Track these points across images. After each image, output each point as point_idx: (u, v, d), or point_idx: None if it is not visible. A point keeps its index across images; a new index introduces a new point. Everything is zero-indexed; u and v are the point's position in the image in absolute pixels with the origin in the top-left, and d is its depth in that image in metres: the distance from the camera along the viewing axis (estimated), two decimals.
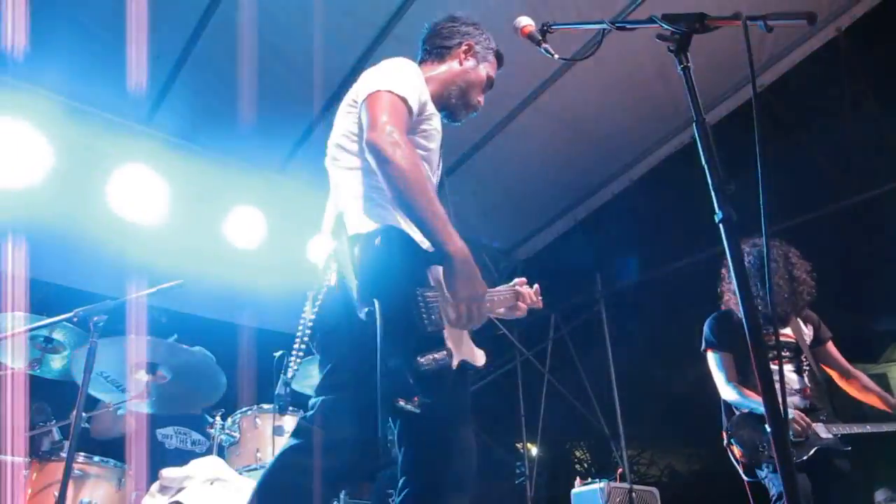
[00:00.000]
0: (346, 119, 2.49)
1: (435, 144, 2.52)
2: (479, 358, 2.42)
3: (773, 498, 3.64)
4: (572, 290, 8.36)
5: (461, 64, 2.73)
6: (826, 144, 8.35)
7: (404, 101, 2.30)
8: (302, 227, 6.42)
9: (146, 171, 5.71)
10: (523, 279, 2.94)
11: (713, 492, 12.03)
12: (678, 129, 6.41)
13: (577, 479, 5.74)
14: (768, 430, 3.68)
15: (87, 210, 5.76)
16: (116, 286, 4.53)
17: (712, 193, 1.60)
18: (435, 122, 2.51)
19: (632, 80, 5.74)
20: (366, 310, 2.01)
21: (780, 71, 6.10)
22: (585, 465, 14.72)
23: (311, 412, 2.24)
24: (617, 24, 2.10)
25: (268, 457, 4.34)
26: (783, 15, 1.71)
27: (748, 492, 3.85)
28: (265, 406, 4.53)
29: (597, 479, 5.42)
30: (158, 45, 5.15)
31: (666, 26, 1.83)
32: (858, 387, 4.10)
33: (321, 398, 2.24)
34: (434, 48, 2.78)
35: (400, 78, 2.39)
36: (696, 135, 1.70)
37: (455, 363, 2.19)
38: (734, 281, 1.57)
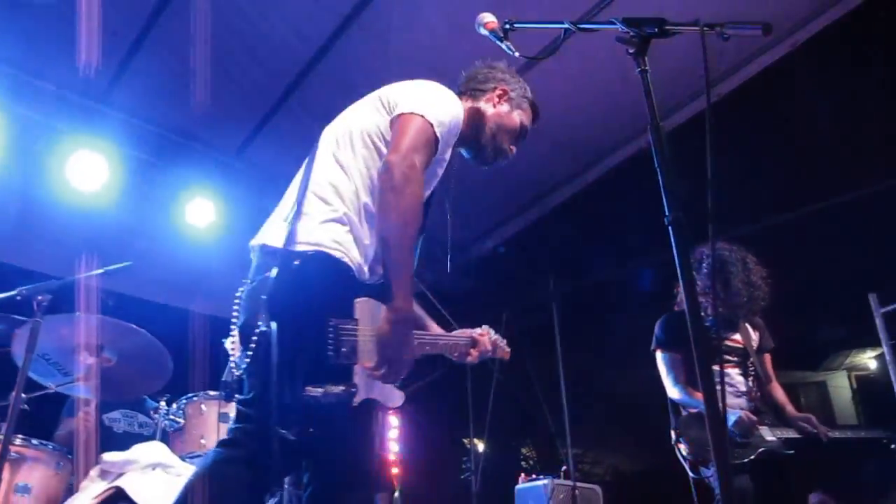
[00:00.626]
0: (375, 115, 2.42)
1: (441, 171, 2.52)
2: (395, 399, 2.35)
3: (717, 496, 3.72)
4: (525, 289, 8.41)
5: (494, 107, 2.70)
6: (779, 156, 8.51)
7: (438, 135, 2.29)
8: (256, 215, 6.34)
9: (99, 149, 5.60)
10: (487, 327, 2.91)
11: (655, 491, 12.20)
12: (637, 132, 6.47)
13: (522, 475, 5.78)
14: None
15: (37, 188, 5.65)
16: (64, 267, 4.44)
17: (663, 196, 1.63)
18: (448, 154, 2.51)
19: (593, 82, 5.79)
20: (262, 328, 2.01)
21: (739, 81, 6.19)
22: (531, 463, 14.79)
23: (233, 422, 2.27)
24: (579, 26, 2.13)
25: (212, 444, 4.29)
26: (740, 24, 1.74)
27: (693, 489, 3.92)
28: (212, 393, 4.49)
29: (541, 477, 5.47)
30: (116, 22, 5.05)
31: (626, 29, 1.86)
32: (772, 397, 4.20)
33: (239, 406, 2.26)
34: (468, 90, 2.76)
35: (441, 108, 2.36)
36: (651, 138, 1.73)
37: (357, 400, 2.11)
38: (681, 283, 1.60)
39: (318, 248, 2.15)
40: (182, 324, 6.94)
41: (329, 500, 2.13)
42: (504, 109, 2.71)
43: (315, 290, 2.06)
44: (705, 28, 1.77)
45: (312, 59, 5.52)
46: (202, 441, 4.30)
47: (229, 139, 6.30)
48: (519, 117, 2.74)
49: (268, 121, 6.07)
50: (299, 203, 2.27)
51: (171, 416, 4.39)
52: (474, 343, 2.81)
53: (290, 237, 2.19)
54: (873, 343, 6.74)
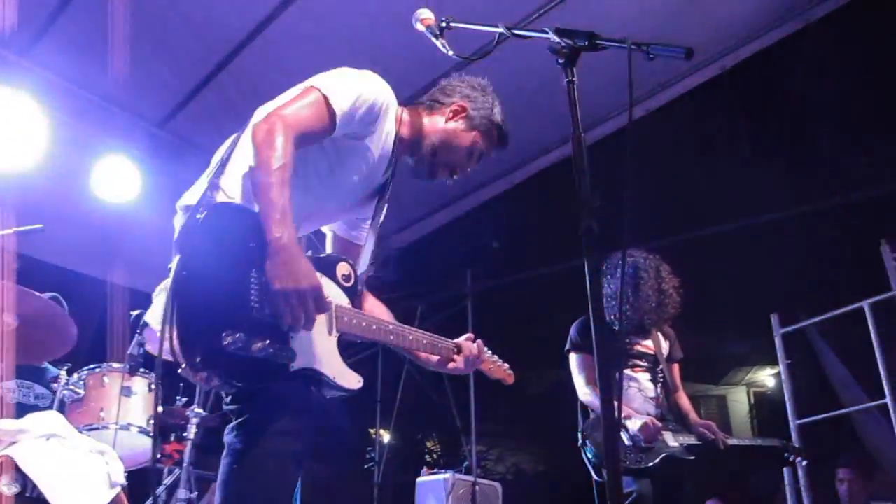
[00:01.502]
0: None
1: (367, 158, 2.44)
2: (350, 379, 2.22)
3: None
4: (442, 284, 8.47)
5: (446, 122, 2.61)
6: (699, 175, 8.77)
7: (333, 107, 2.25)
8: (180, 187, 6.22)
9: (17, 104, 5.40)
10: (471, 336, 2.77)
11: (555, 493, 12.46)
12: (565, 140, 6.56)
13: (425, 468, 5.83)
14: (622, 434, 3.90)
15: None
16: None
17: (578, 205, 1.68)
18: (373, 140, 2.43)
19: (523, 88, 5.85)
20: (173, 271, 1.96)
21: (666, 98, 6.35)
22: (435, 456, 14.90)
23: None
24: (513, 31, 2.16)
25: (112, 417, 4.21)
26: (665, 47, 1.81)
27: (595, 492, 4.02)
28: (115, 365, 4.39)
29: (443, 471, 5.53)
30: None
31: (557, 39, 1.90)
32: (678, 405, 4.35)
33: None
34: (429, 100, 2.68)
35: (346, 85, 2.33)
36: (573, 147, 1.78)
37: (296, 366, 2.03)
38: (588, 290, 1.65)
39: (235, 202, 2.16)
40: (97, 294, 6.77)
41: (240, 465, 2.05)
42: (456, 126, 2.61)
43: (232, 239, 2.02)
44: (633, 46, 1.83)
45: (249, 35, 5.44)
46: (101, 414, 4.21)
47: (155, 108, 6.15)
48: (472, 138, 2.65)
49: (197, 93, 5.95)
50: (223, 163, 2.26)
51: (72, 387, 4.28)
52: (458, 349, 2.69)
53: (209, 191, 2.18)
54: (772, 361, 7.01)
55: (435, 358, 2.66)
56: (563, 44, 1.90)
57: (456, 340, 2.70)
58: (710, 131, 7.38)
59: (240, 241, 2.02)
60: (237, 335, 1.87)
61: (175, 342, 1.88)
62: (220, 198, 2.17)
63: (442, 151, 2.61)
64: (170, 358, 1.94)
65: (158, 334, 1.95)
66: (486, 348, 2.78)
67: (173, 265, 1.96)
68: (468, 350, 2.69)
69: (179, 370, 1.92)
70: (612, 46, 1.87)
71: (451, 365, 2.68)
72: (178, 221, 2.27)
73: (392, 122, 2.50)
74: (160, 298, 2.13)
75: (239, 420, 2.10)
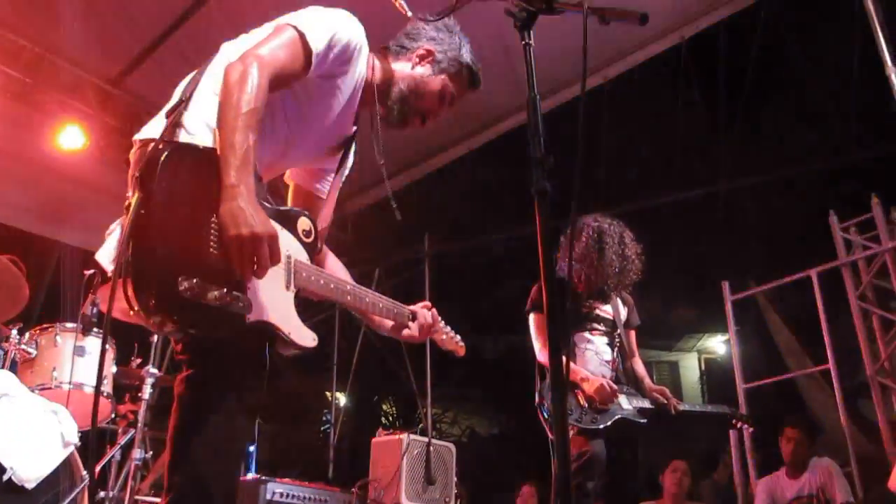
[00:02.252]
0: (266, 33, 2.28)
1: (337, 97, 2.37)
2: (305, 336, 2.15)
3: (574, 457, 3.88)
4: (399, 247, 8.49)
5: (413, 67, 2.50)
6: (655, 142, 8.88)
7: (310, 45, 2.18)
8: (128, 146, 6.14)
9: None
10: (427, 303, 2.71)
11: (508, 454, 12.68)
12: (520, 106, 6.58)
13: (381, 430, 5.89)
14: (576, 396, 3.97)
15: None
16: None
17: (532, 166, 1.71)
18: (344, 80, 2.35)
19: (485, 50, 5.83)
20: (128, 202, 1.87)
21: (627, 65, 6.38)
22: (391, 419, 15.02)
23: None
24: None
25: (65, 377, 4.17)
26: (620, 12, 1.83)
27: (552, 451, 4.09)
28: (68, 325, 4.35)
29: (398, 432, 5.59)
30: None
31: (514, 2, 1.91)
32: (633, 370, 4.43)
33: None
34: (395, 44, 2.56)
35: (321, 23, 2.25)
36: (528, 109, 1.80)
37: (251, 318, 1.96)
38: (540, 249, 1.68)
39: (197, 140, 2.07)
40: (51, 255, 6.68)
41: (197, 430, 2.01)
42: (423, 72, 2.51)
43: (194, 181, 1.96)
44: (589, 10, 1.84)
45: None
46: (54, 373, 4.17)
47: (109, 65, 6.03)
48: (441, 82, 2.52)
49: (152, 52, 5.84)
50: (186, 100, 2.16)
51: (23, 346, 4.23)
52: (414, 316, 2.63)
53: (172, 128, 2.09)
54: (723, 329, 7.18)
55: (389, 323, 2.62)
56: (520, 7, 1.91)
57: (412, 307, 2.66)
58: (667, 101, 7.45)
59: (202, 184, 1.95)
60: (193, 280, 1.82)
61: (128, 284, 1.81)
62: (183, 136, 2.08)
63: (412, 98, 2.51)
64: (120, 317, 1.90)
65: (110, 274, 1.90)
66: (440, 318, 2.75)
67: (132, 202, 1.88)
68: (423, 318, 2.64)
69: (131, 312, 1.84)
70: (568, 10, 1.89)
71: (405, 332, 2.63)
72: (135, 156, 2.17)
73: (364, 64, 2.43)
74: (113, 237, 2.05)
75: (189, 371, 2.06)
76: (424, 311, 2.67)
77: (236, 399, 2.04)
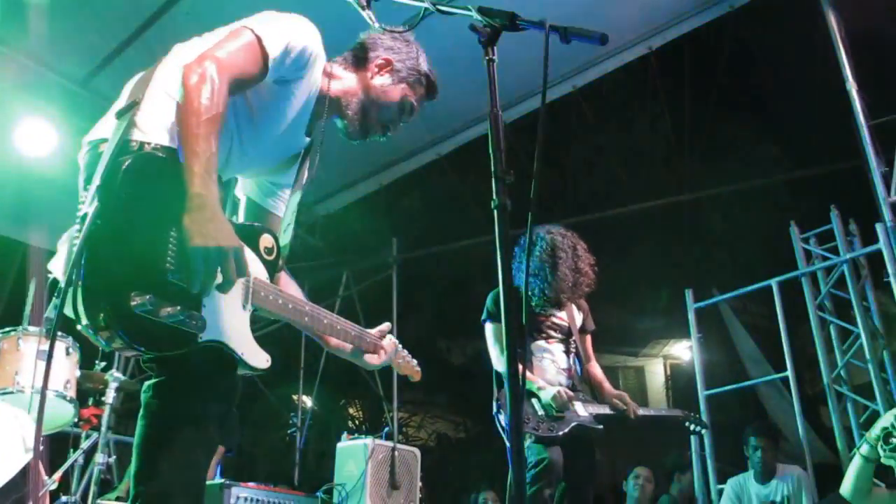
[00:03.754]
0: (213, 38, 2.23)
1: (292, 103, 2.32)
2: (259, 357, 2.12)
3: (531, 464, 3.92)
4: (368, 252, 8.51)
5: (372, 78, 2.47)
6: (622, 152, 8.99)
7: (265, 49, 2.14)
8: None
9: None
10: (387, 325, 2.69)
11: (474, 458, 12.71)
12: (486, 115, 6.63)
13: (346, 434, 5.90)
14: (533, 404, 4.01)
15: None
16: None
17: (493, 181, 1.75)
18: (299, 87, 2.31)
19: (451, 60, 5.86)
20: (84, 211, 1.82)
21: (594, 75, 6.43)
22: (357, 423, 14.98)
23: None
24: (438, 6, 2.19)
25: (28, 381, 4.14)
26: (581, 32, 1.87)
27: (509, 458, 4.12)
28: (31, 328, 4.31)
29: (364, 436, 5.61)
30: None
31: (479, 18, 1.95)
32: (590, 375, 4.49)
33: None
34: (352, 55, 2.53)
35: (278, 27, 2.21)
36: (490, 124, 1.84)
37: (204, 337, 1.92)
38: (499, 264, 1.72)
39: (156, 146, 1.99)
40: (16, 257, 6.60)
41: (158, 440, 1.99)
42: (383, 82, 2.48)
43: (155, 193, 1.90)
44: (550, 28, 1.89)
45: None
46: (16, 377, 4.14)
47: (77, 66, 5.99)
48: (402, 92, 2.51)
49: (120, 52, 5.81)
50: (138, 102, 2.09)
51: None
52: (375, 346, 2.62)
53: (126, 129, 2.01)
54: (688, 335, 7.28)
55: (348, 347, 2.57)
56: (484, 23, 1.94)
57: (375, 334, 2.63)
58: (633, 110, 7.56)
59: (163, 196, 1.90)
60: (146, 296, 1.75)
61: (78, 296, 1.75)
62: (137, 136, 2.00)
63: (373, 109, 2.48)
64: (71, 314, 1.81)
65: (62, 284, 1.82)
66: (399, 344, 2.74)
67: (88, 211, 1.81)
68: (389, 347, 2.64)
69: (78, 326, 1.79)
70: (531, 28, 1.93)
71: (366, 357, 2.60)
72: (85, 159, 2.13)
73: (319, 72, 2.39)
74: (65, 247, 1.96)
75: (158, 378, 2.04)
76: (389, 339, 2.65)
77: (204, 408, 2.02)
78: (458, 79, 6.33)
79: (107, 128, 2.11)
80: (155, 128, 2.04)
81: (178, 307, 1.81)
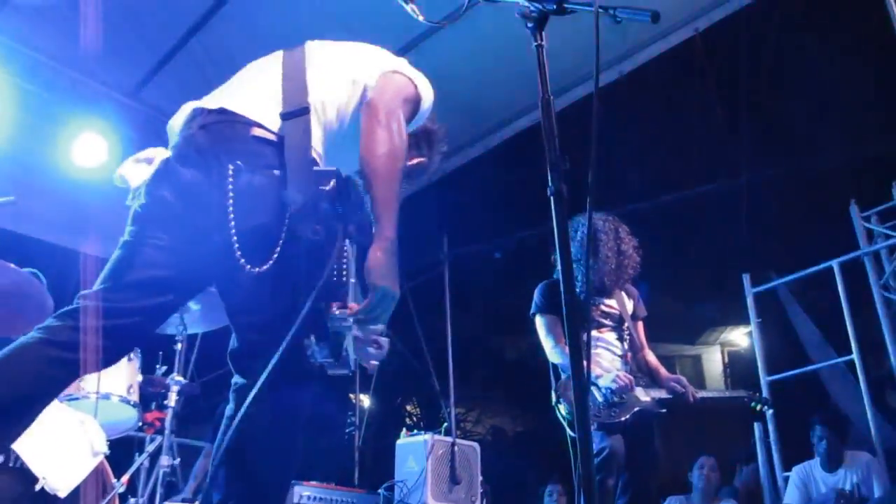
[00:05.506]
0: (342, 92, 2.28)
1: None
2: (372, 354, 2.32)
3: (594, 453, 3.88)
4: (418, 250, 8.50)
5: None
6: (673, 137, 8.84)
7: (416, 88, 2.30)
8: None
9: None
10: None
11: (532, 451, 12.66)
12: (536, 104, 6.58)
13: (405, 430, 5.91)
14: (592, 391, 3.97)
15: None
16: None
17: (548, 168, 1.72)
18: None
19: (499, 50, 5.85)
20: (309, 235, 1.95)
21: (641, 60, 6.34)
22: (415, 419, 15.05)
23: None
24: None
25: (92, 387, 4.22)
26: (632, 10, 1.83)
27: (571, 447, 4.09)
28: None
29: (422, 432, 5.61)
30: None
31: (525, 4, 1.92)
32: (646, 362, 4.42)
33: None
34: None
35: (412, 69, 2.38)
36: (541, 111, 1.81)
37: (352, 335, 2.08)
38: (558, 252, 1.69)
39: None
40: (71, 265, 6.74)
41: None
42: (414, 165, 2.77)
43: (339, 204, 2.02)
44: (600, 9, 1.85)
45: (218, 1, 5.38)
46: (81, 384, 4.22)
47: (126, 77, 6.09)
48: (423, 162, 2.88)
49: (167, 62, 5.89)
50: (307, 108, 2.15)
51: None
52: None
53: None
54: (746, 321, 7.15)
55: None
56: (531, 8, 1.92)
57: None
58: (683, 94, 7.42)
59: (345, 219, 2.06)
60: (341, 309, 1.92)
61: None
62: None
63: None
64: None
65: None
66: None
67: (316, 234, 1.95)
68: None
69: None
70: (579, 10, 1.90)
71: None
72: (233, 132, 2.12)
73: None
74: None
75: (243, 381, 2.09)
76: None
77: (296, 410, 2.07)
78: (502, 71, 6.34)
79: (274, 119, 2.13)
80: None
81: (346, 310, 1.96)
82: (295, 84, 2.20)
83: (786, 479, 5.89)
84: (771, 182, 7.54)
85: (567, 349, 4.14)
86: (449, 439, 5.51)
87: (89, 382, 4.24)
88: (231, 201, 1.92)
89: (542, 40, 1.90)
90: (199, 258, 2.02)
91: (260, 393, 1.99)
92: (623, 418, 3.94)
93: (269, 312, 1.98)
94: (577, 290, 4.23)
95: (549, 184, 1.70)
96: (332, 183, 1.96)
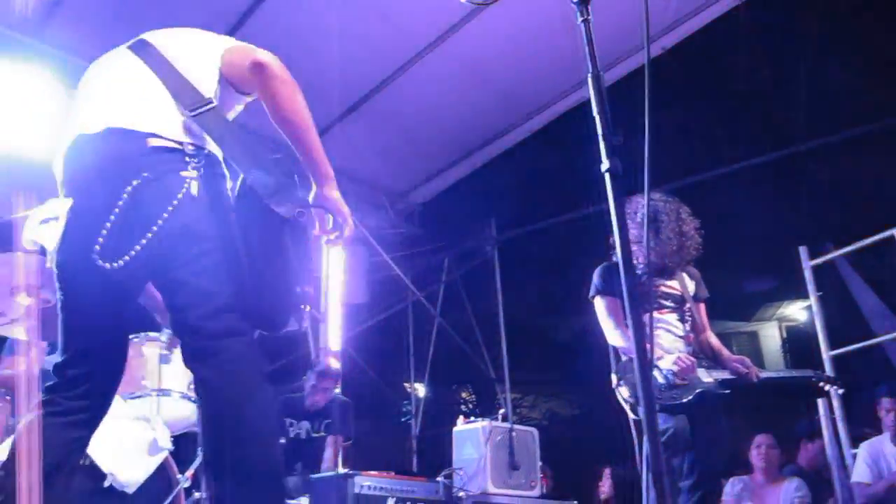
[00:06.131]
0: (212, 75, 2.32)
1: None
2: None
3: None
4: (466, 235, 8.49)
5: None
6: (719, 109, 8.68)
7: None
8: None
9: (42, 86, 5.42)
10: None
11: (590, 435, 12.58)
12: (580, 84, 6.52)
13: (461, 417, 5.90)
14: (656, 373, 3.92)
15: None
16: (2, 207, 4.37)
17: (601, 144, 1.68)
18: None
19: (539, 31, 5.79)
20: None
21: (684, 33, 6.24)
22: (470, 406, 15.08)
23: None
24: None
25: (153, 384, 4.29)
26: None
27: (634, 430, 4.06)
28: (152, 334, 4.46)
29: (479, 419, 5.59)
30: None
31: None
32: (708, 344, 4.33)
33: None
34: None
35: None
36: (590, 87, 1.77)
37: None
38: (615, 231, 1.66)
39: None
40: None
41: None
42: None
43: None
44: None
45: (254, 2, 5.41)
46: (143, 382, 4.28)
47: None
48: None
49: None
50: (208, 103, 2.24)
51: None
52: None
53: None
54: (802, 295, 6.98)
55: None
56: None
57: None
58: (728, 65, 7.28)
59: None
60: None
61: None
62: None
63: None
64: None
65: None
66: None
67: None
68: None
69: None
70: None
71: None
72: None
73: None
74: None
75: None
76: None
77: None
78: (542, 53, 6.28)
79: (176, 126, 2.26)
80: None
81: None
82: (180, 82, 2.23)
83: (853, 457, 5.75)
84: (825, 150, 7.33)
85: (628, 332, 4.12)
86: (507, 425, 5.50)
87: (150, 380, 4.31)
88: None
89: (588, 14, 1.85)
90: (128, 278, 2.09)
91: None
92: (685, 399, 3.88)
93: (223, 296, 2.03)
94: (637, 271, 4.19)
95: (603, 159, 1.66)
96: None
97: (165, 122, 2.14)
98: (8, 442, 3.24)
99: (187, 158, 2.08)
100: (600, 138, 1.69)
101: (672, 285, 4.27)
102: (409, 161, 7.54)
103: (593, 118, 1.76)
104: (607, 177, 1.66)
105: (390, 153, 7.30)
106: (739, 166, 7.27)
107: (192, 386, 4.47)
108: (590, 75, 1.78)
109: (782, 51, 6.95)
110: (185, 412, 4.47)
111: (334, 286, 7.32)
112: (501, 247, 8.18)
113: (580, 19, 1.85)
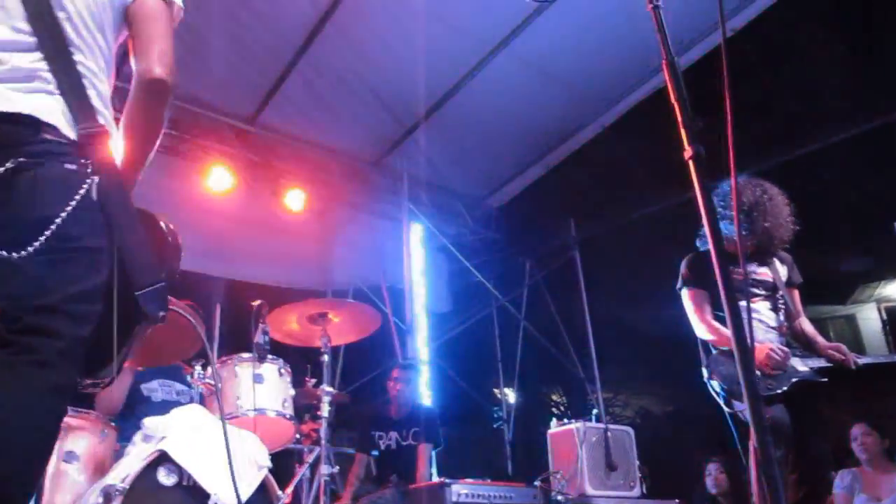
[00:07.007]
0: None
1: None
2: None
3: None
4: (546, 236, 8.43)
5: None
6: (795, 88, 8.41)
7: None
8: (270, 178, 6.53)
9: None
10: None
11: (686, 431, 12.32)
12: (650, 74, 6.42)
13: (554, 420, 5.85)
14: None
15: None
16: None
17: (682, 130, 1.63)
18: None
19: (604, 24, 5.72)
20: None
21: (751, 15, 6.11)
22: (562, 408, 14.95)
23: None
24: None
25: (248, 404, 4.38)
26: None
27: (730, 422, 3.94)
28: (244, 355, 4.55)
29: (573, 421, 5.53)
30: None
31: None
32: (802, 331, 4.18)
33: None
34: None
35: None
36: (666, 73, 1.72)
37: None
38: (704, 218, 1.61)
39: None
40: (204, 289, 7.03)
41: None
42: None
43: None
44: None
45: (321, 18, 5.49)
46: (238, 402, 4.38)
47: (242, 106, 6.33)
48: None
49: (281, 84, 6.07)
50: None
51: (207, 380, 4.47)
52: None
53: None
54: None
55: None
56: None
57: None
58: (802, 41, 7.05)
59: None
60: None
61: None
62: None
63: None
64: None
65: None
66: None
67: None
68: None
69: None
70: None
71: None
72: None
73: None
74: None
75: None
76: None
77: None
78: (608, 47, 6.20)
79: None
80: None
81: None
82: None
83: None
84: None
85: (715, 323, 4.01)
86: (601, 426, 5.42)
87: (245, 399, 4.40)
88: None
89: (658, 1, 1.81)
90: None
91: None
92: (780, 390, 3.75)
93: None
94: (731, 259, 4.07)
95: (686, 146, 1.61)
96: None
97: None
98: (124, 464, 3.35)
99: None
100: (680, 125, 1.64)
101: (763, 272, 4.14)
102: (484, 166, 7.55)
103: (668, 106, 1.71)
104: (691, 164, 1.61)
105: (464, 159, 7.32)
106: (825, 142, 7.03)
107: (286, 403, 4.56)
108: (664, 62, 1.73)
109: (857, 21, 6.68)
110: (281, 430, 4.55)
111: (418, 296, 7.37)
112: (582, 245, 8.09)
113: (650, 5, 1.80)
